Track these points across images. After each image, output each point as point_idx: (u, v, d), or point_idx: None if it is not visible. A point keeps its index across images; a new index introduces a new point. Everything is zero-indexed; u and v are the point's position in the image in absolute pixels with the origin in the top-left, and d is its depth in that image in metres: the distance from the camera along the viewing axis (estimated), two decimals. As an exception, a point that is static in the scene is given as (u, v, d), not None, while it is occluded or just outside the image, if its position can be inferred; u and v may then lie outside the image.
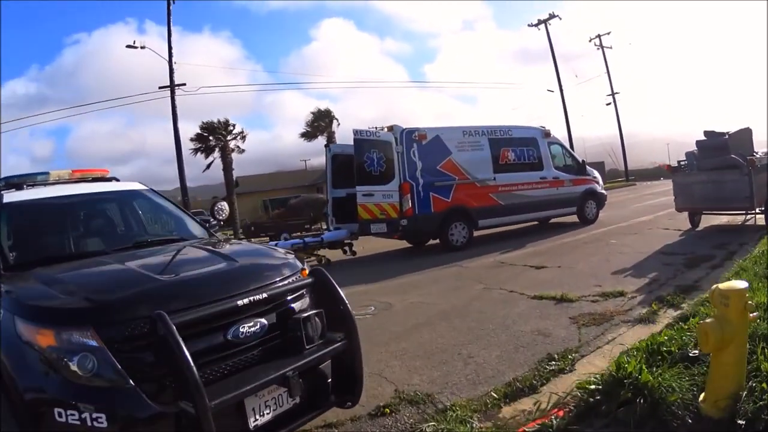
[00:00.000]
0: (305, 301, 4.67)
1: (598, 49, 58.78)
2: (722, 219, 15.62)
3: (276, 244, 15.31)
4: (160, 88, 34.48)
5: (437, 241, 17.40)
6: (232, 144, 39.69)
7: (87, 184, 6.69)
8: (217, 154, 39.38)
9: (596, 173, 21.46)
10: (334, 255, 17.56)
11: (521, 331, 7.43)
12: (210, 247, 5.36)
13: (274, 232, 30.75)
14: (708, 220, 15.80)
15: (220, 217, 7.26)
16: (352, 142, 16.58)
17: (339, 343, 4.46)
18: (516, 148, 18.85)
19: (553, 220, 20.36)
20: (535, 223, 20.10)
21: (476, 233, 17.73)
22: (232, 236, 35.04)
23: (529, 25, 52.71)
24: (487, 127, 18.62)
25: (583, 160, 21.11)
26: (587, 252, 13.78)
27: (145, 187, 7.07)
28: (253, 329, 4.07)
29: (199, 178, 38.40)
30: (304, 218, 33.22)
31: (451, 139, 17.45)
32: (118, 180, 7.16)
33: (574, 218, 20.10)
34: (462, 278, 12.03)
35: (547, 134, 19.90)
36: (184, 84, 34.46)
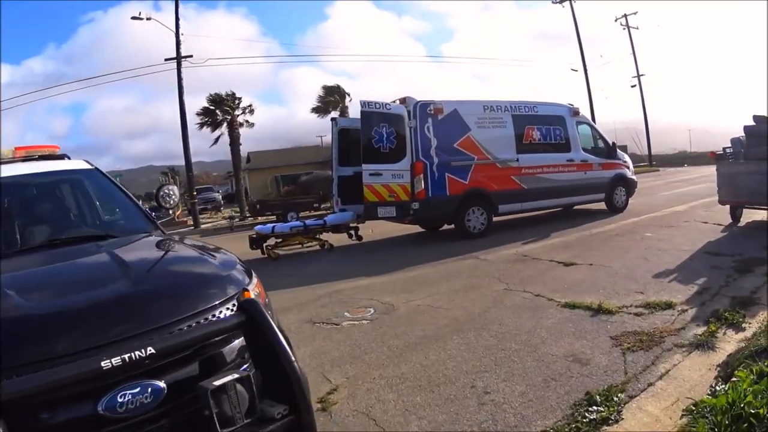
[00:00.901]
0: (233, 349, 3.14)
1: (623, 29, 56.64)
2: (762, 214, 13.86)
3: (273, 228, 14.63)
4: (166, 60, 33.49)
5: (453, 226, 16.08)
6: (240, 118, 38.12)
7: (31, 163, 5.45)
8: (225, 128, 37.88)
9: (626, 157, 19.94)
10: (338, 239, 16.28)
11: (552, 355, 5.95)
12: (120, 254, 3.92)
13: (280, 211, 29.75)
14: (749, 215, 14.11)
15: (167, 205, 6.00)
16: (361, 116, 15.67)
17: (277, 424, 2.86)
18: (542, 127, 17.27)
19: (577, 207, 18.97)
20: (558, 209, 18.74)
21: (495, 219, 16.30)
22: (237, 215, 33.89)
23: (553, 2, 50.47)
24: (510, 102, 17.04)
25: (613, 143, 19.32)
26: (621, 247, 12.18)
27: (90, 167, 5.73)
28: (139, 398, 2.60)
29: (215, 152, 36.99)
30: (313, 197, 31.78)
31: (471, 114, 15.96)
32: (68, 158, 5.88)
33: (601, 205, 18.64)
34: (479, 274, 10.55)
35: (575, 113, 18.32)
36: (191, 56, 33.46)
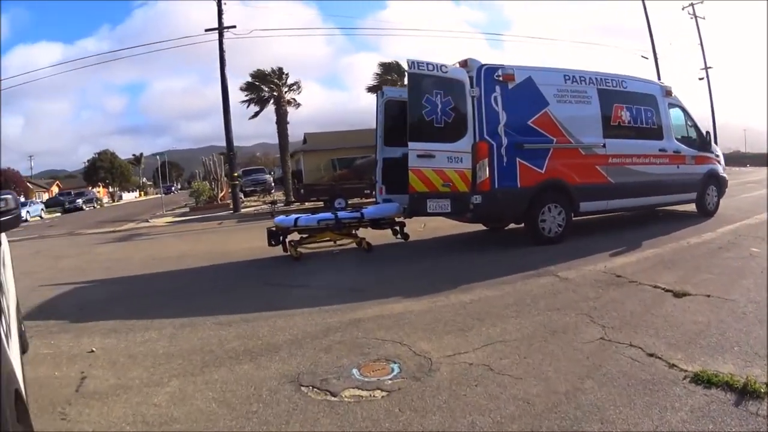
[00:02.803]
0: None
1: (691, 18, 53.34)
2: None
3: (296, 220, 12.33)
4: (206, 30, 31.76)
5: (520, 225, 13.23)
6: (288, 96, 35.50)
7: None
8: (271, 107, 35.29)
9: (719, 150, 16.88)
10: (379, 237, 13.63)
11: None
12: None
13: (327, 197, 27.61)
14: None
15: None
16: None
17: None
18: (632, 107, 14.14)
19: (660, 208, 15.96)
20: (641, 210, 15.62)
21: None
22: (281, 200, 31.86)
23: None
24: (595, 73, 13.87)
25: (707, 132, 16.35)
26: (732, 267, 9.26)
27: None
28: None
29: (261, 134, 34.86)
30: (365, 182, 28.88)
31: (549, 84, 12.85)
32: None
33: (685, 206, 15.80)
34: (561, 305, 7.53)
35: (668, 93, 15.29)
36: (234, 26, 31.67)
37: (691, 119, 16.07)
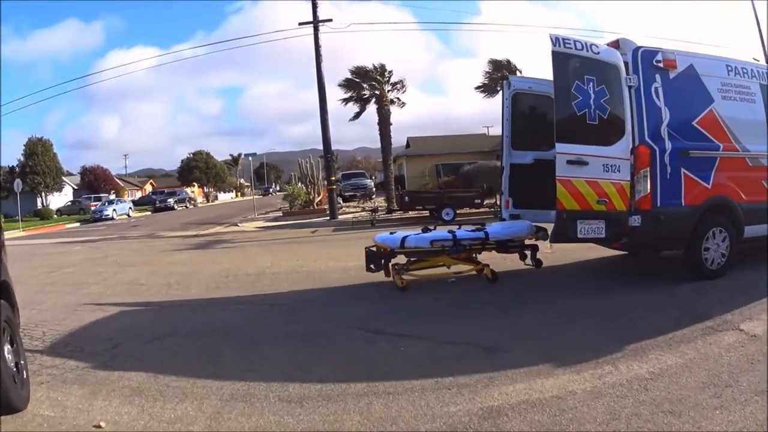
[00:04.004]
0: None
1: None
2: None
3: (403, 240, 10.35)
4: (300, 24, 30.46)
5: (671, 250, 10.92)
6: (391, 95, 33.36)
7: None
8: (373, 106, 33.35)
9: None
10: (501, 260, 11.46)
11: None
12: None
13: (434, 206, 25.52)
14: None
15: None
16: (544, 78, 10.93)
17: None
18: None
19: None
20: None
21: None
22: (383, 208, 29.93)
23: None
24: (757, 66, 11.38)
25: None
26: None
27: None
28: None
29: (362, 138, 33.13)
30: (475, 191, 27.11)
31: (712, 75, 10.40)
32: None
33: None
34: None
35: None
36: (330, 20, 30.09)
37: None
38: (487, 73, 35.92)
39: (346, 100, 33.40)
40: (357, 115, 33.55)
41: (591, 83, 9.28)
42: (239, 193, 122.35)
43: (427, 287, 10.33)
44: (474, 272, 10.76)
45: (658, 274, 10.91)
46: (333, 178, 30.50)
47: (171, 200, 71.10)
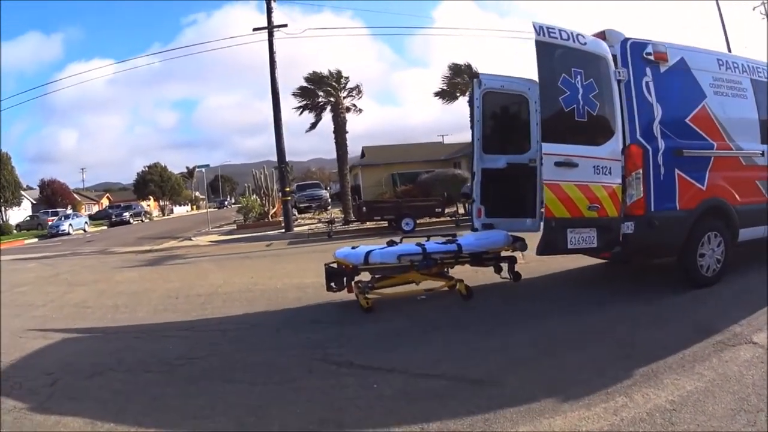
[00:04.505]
0: None
1: (763, 18, 48.24)
2: None
3: (367, 255, 9.06)
4: (255, 29, 29.04)
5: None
6: (347, 102, 32.08)
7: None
8: (328, 114, 32.01)
9: None
10: (477, 276, 10.19)
11: None
12: None
13: (393, 216, 24.22)
14: None
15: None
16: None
17: None
18: None
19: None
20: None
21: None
22: (339, 219, 28.71)
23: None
24: (747, 60, 10.61)
25: None
26: None
27: None
28: None
29: (316, 150, 31.83)
30: (435, 199, 25.90)
31: (704, 69, 9.60)
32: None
33: None
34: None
35: None
36: (285, 25, 28.83)
37: None
38: (446, 78, 34.64)
39: (300, 108, 32.11)
40: (313, 126, 32.38)
41: (579, 76, 8.31)
42: (195, 206, 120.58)
43: (395, 307, 9.10)
44: (446, 288, 9.56)
45: (647, 282, 10.00)
46: (288, 189, 29.21)
47: (126, 214, 70.00)
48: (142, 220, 72.60)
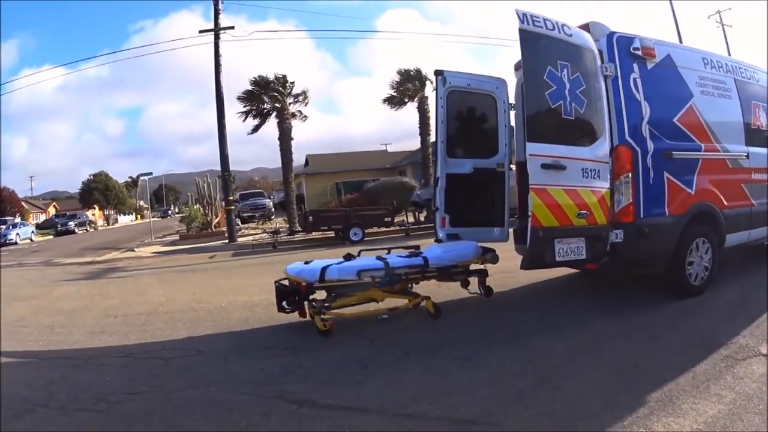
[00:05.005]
0: None
1: (718, 26, 48.70)
2: None
3: (323, 271, 7.90)
4: (201, 32, 27.92)
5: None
6: (292, 108, 30.81)
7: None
8: (273, 121, 30.67)
9: None
10: (441, 291, 9.26)
11: None
12: None
13: (341, 225, 23.00)
14: None
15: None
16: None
17: None
18: (766, 106, 10.42)
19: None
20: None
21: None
22: (285, 229, 27.41)
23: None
24: (730, 60, 10.23)
25: None
26: None
27: None
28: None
29: (278, 159, 29.98)
30: (383, 208, 24.92)
31: (690, 68, 8.94)
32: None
33: None
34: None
35: None
36: (233, 27, 27.75)
37: None
38: (395, 84, 33.52)
39: (245, 113, 30.65)
40: (256, 128, 30.97)
41: (565, 70, 7.43)
42: (139, 216, 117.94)
43: (355, 329, 7.88)
44: (410, 307, 8.43)
45: (628, 293, 9.16)
46: (231, 199, 27.90)
47: (72, 224, 67.77)
48: (86, 230, 70.62)
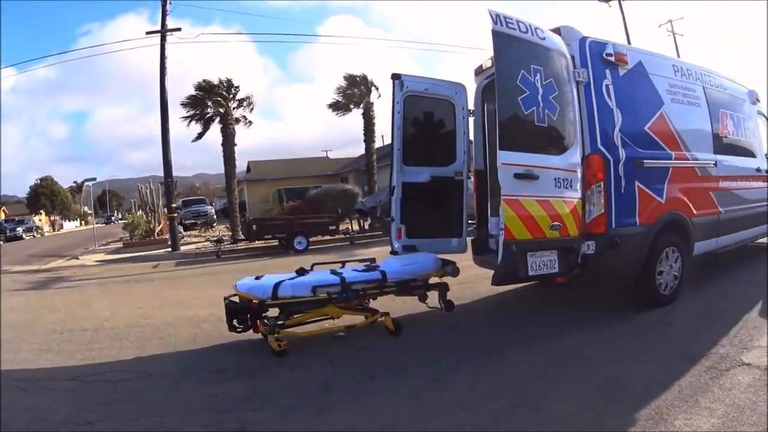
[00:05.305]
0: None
1: (669, 35, 48.19)
2: None
3: (276, 287, 7.19)
4: (148, 33, 26.66)
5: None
6: (236, 113, 29.60)
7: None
8: (217, 126, 29.27)
9: None
10: (397, 306, 8.47)
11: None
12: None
13: (285, 234, 21.97)
14: None
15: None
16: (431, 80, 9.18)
17: None
18: (734, 115, 10.31)
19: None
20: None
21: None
22: (228, 237, 26.46)
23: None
24: (699, 68, 9.81)
25: None
26: None
27: None
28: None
29: (220, 165, 28.80)
30: (328, 216, 24.20)
31: (661, 75, 8.64)
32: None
33: None
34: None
35: (756, 100, 11.58)
36: (179, 29, 26.43)
37: None
38: (341, 89, 32.37)
39: (189, 118, 29.34)
40: (200, 135, 29.76)
41: (538, 75, 6.98)
42: (84, 222, 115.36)
43: (312, 349, 7.22)
44: (368, 323, 7.82)
45: (595, 303, 8.86)
46: (174, 206, 26.80)
47: (20, 229, 65.83)
48: (33, 236, 68.49)
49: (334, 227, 23.13)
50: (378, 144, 33.20)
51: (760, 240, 11.84)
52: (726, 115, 10.04)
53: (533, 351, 6.53)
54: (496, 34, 6.54)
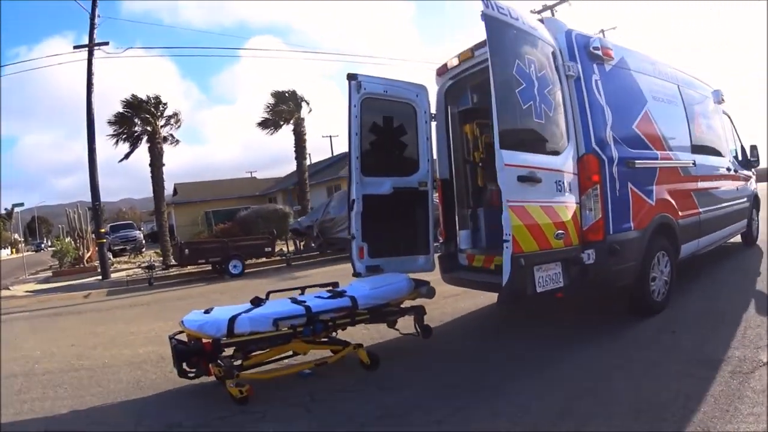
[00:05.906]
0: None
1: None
2: None
3: (231, 324, 5.84)
4: (75, 47, 24.81)
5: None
6: (164, 131, 27.83)
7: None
8: (144, 146, 27.35)
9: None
10: (362, 334, 7.53)
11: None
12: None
13: (219, 257, 20.47)
14: None
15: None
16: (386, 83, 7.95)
17: None
18: (705, 114, 10.28)
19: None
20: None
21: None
22: (159, 262, 24.85)
23: (532, 11, 42.08)
24: (673, 68, 9.48)
25: (753, 146, 12.84)
26: None
27: None
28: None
29: (145, 189, 27.24)
30: (263, 237, 22.78)
31: (642, 72, 8.15)
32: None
33: None
34: None
35: (722, 100, 11.48)
36: (107, 43, 24.59)
37: (736, 132, 12.77)
38: (270, 106, 30.83)
39: (116, 136, 27.47)
40: (128, 155, 27.83)
41: (533, 66, 6.17)
42: (14, 250, 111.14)
43: (279, 391, 5.91)
44: (331, 355, 6.63)
45: (580, 315, 8.06)
46: (102, 231, 25.09)
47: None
48: (-34, 264, 65.26)
49: (269, 249, 21.91)
50: (307, 162, 32.02)
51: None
52: (699, 114, 9.79)
53: (541, 381, 5.50)
54: (488, 19, 5.62)
